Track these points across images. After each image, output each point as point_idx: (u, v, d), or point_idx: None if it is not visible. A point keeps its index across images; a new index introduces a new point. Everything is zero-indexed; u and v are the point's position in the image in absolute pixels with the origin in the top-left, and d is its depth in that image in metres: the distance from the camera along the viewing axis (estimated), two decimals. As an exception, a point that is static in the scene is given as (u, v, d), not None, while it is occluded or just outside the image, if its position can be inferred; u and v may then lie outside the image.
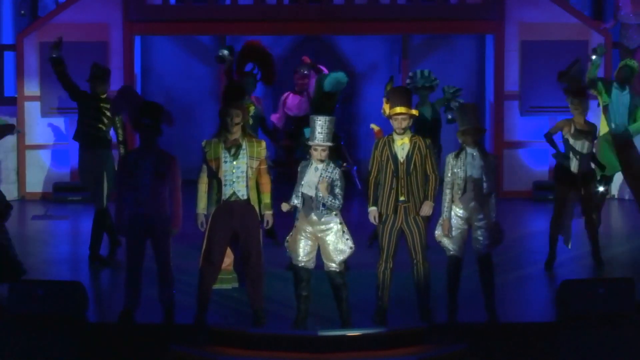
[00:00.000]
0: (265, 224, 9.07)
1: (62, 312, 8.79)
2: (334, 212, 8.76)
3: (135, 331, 8.92)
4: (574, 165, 10.80)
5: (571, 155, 10.79)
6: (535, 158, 15.41)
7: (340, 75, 10.95)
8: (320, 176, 8.71)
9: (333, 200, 8.68)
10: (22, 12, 16.23)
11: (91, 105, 11.19)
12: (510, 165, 15.36)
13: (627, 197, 14.69)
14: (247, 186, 8.94)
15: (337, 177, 8.72)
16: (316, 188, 8.70)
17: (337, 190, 8.70)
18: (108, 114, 11.10)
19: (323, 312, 9.23)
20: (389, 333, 8.72)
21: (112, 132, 11.32)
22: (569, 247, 10.95)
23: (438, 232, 9.14)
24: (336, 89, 10.89)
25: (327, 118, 8.75)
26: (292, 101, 12.69)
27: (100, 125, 11.17)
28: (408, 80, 11.69)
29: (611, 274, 10.64)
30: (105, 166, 11.16)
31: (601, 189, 10.67)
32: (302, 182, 8.76)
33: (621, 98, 12.18)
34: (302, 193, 8.75)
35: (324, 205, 8.70)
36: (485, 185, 9.03)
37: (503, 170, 15.18)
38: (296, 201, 8.79)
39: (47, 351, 8.70)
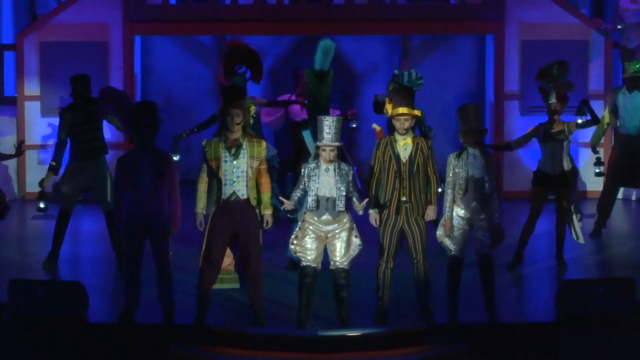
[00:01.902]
0: (265, 224, 9.08)
1: (62, 312, 8.80)
2: (346, 210, 8.78)
3: (135, 331, 8.92)
4: (548, 167, 10.85)
5: (548, 157, 10.85)
6: (535, 158, 15.36)
7: (324, 43, 10.96)
8: (337, 175, 8.72)
9: (359, 199, 8.74)
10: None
11: (81, 120, 11.15)
12: (510, 165, 15.35)
13: (633, 197, 14.69)
14: (247, 186, 8.95)
15: (351, 175, 8.78)
16: (336, 189, 8.70)
17: (352, 189, 8.79)
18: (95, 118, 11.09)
19: (323, 312, 9.23)
20: (389, 333, 8.72)
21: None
22: (582, 242, 11.01)
23: (440, 233, 9.14)
24: (328, 59, 10.88)
25: (335, 117, 8.76)
26: (296, 106, 12.69)
27: (96, 134, 11.19)
28: (395, 79, 11.70)
29: (611, 274, 10.65)
30: (107, 171, 11.21)
31: (597, 170, 10.87)
32: (317, 186, 8.74)
33: (631, 101, 12.25)
34: (318, 195, 8.74)
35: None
36: (486, 185, 9.03)
37: (503, 170, 15.17)
38: (312, 204, 8.77)
39: (47, 351, 8.71)
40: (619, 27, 15.06)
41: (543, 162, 10.96)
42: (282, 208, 8.91)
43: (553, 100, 10.84)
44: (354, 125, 12.47)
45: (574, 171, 11.05)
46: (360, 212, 8.83)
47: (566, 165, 10.88)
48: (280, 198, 8.99)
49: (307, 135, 10.68)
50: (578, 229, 11.01)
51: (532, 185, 11.09)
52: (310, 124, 10.76)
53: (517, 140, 11.24)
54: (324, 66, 10.91)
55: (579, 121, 10.99)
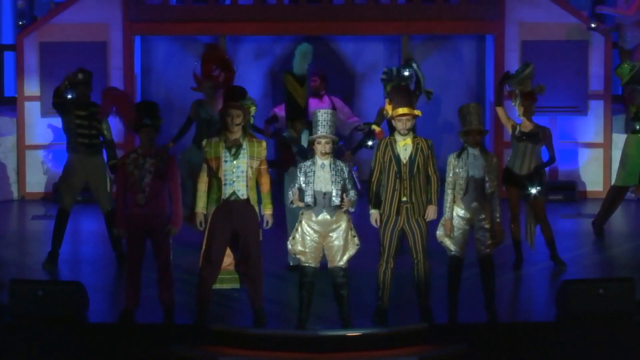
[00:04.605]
0: (265, 224, 9.08)
1: (62, 312, 8.80)
2: (344, 210, 8.77)
3: (135, 331, 8.92)
4: (517, 167, 10.85)
5: (517, 157, 10.84)
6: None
7: (303, 47, 11.21)
8: (332, 170, 8.72)
9: (353, 198, 8.71)
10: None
11: (80, 113, 11.14)
12: (509, 165, 15.34)
13: (632, 197, 14.68)
14: (247, 186, 8.95)
15: (346, 172, 8.75)
16: (331, 183, 8.70)
17: (349, 187, 8.73)
18: (98, 117, 11.07)
19: (323, 312, 9.24)
20: (389, 333, 8.72)
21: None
22: (533, 250, 10.97)
23: (440, 232, 9.13)
24: (306, 63, 11.08)
25: (329, 111, 8.80)
26: (312, 105, 12.72)
27: (94, 132, 11.18)
28: (383, 76, 11.71)
29: (611, 274, 10.64)
30: (105, 171, 11.20)
31: (533, 191, 10.79)
32: (313, 181, 8.73)
33: None
34: (315, 191, 8.74)
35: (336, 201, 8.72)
36: (487, 185, 9.02)
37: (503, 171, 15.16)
38: (309, 200, 8.77)
39: (47, 351, 8.71)
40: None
41: (512, 161, 10.97)
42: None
43: (519, 100, 10.87)
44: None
45: (542, 174, 10.97)
46: (348, 208, 8.78)
47: (533, 167, 10.85)
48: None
49: (288, 136, 10.79)
50: (533, 236, 10.98)
51: (503, 184, 11.06)
52: (290, 125, 10.86)
53: (503, 111, 11.19)
54: (303, 70, 11.08)
55: (533, 191, 10.89)
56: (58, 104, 11.23)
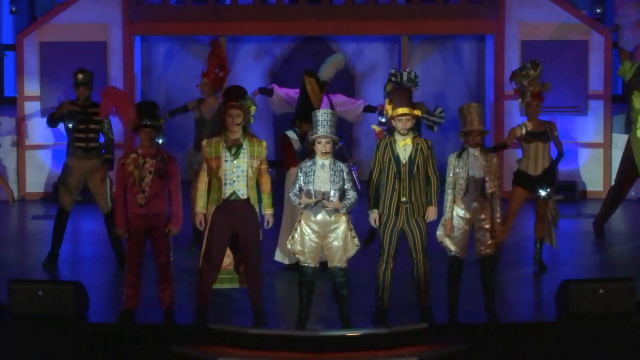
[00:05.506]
0: (265, 224, 9.08)
1: (62, 312, 8.80)
2: (343, 211, 8.77)
3: (135, 331, 8.92)
4: (532, 169, 10.82)
5: (530, 158, 10.82)
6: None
7: (338, 58, 11.76)
8: (331, 170, 8.71)
9: (349, 200, 8.70)
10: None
11: (78, 117, 11.16)
12: (510, 166, 15.33)
13: (633, 197, 14.70)
14: (247, 186, 8.95)
15: (346, 173, 8.74)
16: (330, 183, 8.69)
17: (347, 187, 8.71)
18: (96, 118, 11.06)
19: (323, 312, 9.24)
20: (389, 333, 8.72)
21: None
22: (555, 247, 10.96)
23: (440, 233, 9.13)
24: (334, 72, 11.57)
25: (329, 111, 8.80)
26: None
27: (91, 135, 11.18)
28: (392, 78, 11.72)
29: (611, 274, 10.65)
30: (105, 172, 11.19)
31: (543, 193, 10.75)
32: (313, 181, 8.72)
33: None
34: (314, 190, 8.73)
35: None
36: (487, 185, 9.02)
37: (503, 171, 15.14)
38: (297, 200, 8.76)
39: (47, 351, 8.71)
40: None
41: (524, 163, 10.91)
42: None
43: (528, 99, 10.85)
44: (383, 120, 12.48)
45: (554, 172, 10.96)
46: (339, 209, 8.76)
47: (547, 166, 10.83)
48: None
49: (291, 134, 10.80)
50: (553, 234, 10.94)
51: (512, 185, 11.03)
52: (297, 125, 10.87)
53: (504, 142, 11.23)
54: (329, 78, 11.48)
55: (542, 193, 10.85)
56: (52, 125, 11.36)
